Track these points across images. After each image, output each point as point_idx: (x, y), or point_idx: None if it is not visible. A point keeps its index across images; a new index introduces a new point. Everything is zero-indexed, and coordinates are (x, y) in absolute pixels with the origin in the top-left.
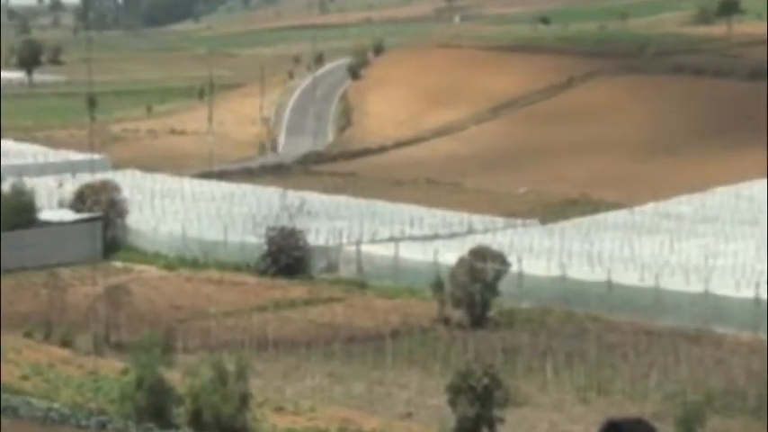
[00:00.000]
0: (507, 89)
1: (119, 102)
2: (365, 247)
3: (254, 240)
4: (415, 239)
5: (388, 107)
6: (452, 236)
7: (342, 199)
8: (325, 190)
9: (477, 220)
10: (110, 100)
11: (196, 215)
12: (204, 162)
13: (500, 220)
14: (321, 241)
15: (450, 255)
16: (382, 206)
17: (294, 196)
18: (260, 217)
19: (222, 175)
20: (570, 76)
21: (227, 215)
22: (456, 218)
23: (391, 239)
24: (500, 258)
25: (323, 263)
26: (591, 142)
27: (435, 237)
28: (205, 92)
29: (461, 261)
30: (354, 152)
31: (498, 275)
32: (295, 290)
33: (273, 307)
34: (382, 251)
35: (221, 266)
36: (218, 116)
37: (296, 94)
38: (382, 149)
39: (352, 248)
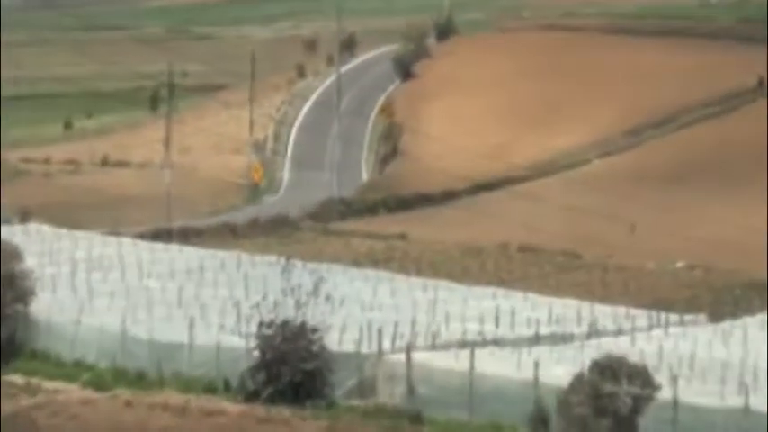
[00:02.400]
0: (656, 98)
1: (20, 114)
2: (420, 356)
3: (238, 343)
4: (503, 344)
5: (462, 127)
6: (564, 339)
7: (383, 277)
8: (357, 262)
9: (606, 313)
10: (7, 111)
11: (144, 301)
12: (158, 213)
13: (642, 315)
14: (348, 345)
15: (559, 369)
16: (449, 290)
17: (305, 271)
18: (248, 305)
19: (187, 236)
20: (761, 76)
21: (195, 301)
22: (570, 310)
23: (463, 344)
24: (642, 377)
25: (351, 380)
26: None
27: (535, 341)
28: (160, 98)
29: (578, 380)
30: (405, 200)
31: (639, 404)
32: (305, 427)
33: None
34: (448, 363)
35: (185, 385)
36: (180, 138)
37: (309, 103)
38: (451, 196)
39: (400, 358)
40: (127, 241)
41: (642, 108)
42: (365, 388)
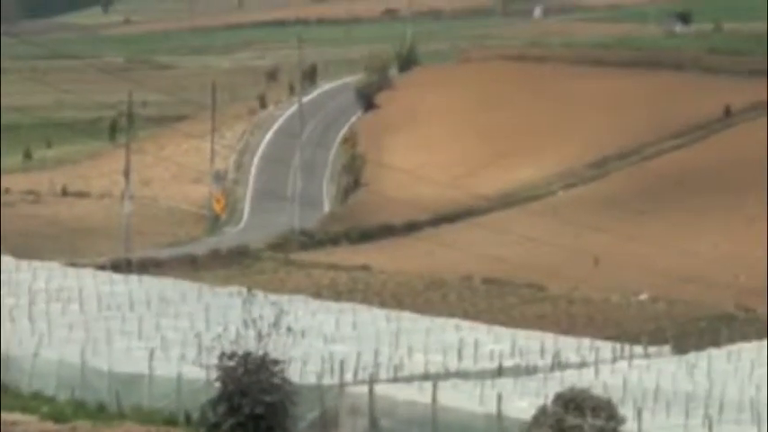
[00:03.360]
0: (621, 129)
1: None
2: (383, 389)
3: (199, 375)
4: (466, 377)
5: (425, 158)
6: (527, 372)
7: (345, 308)
8: (318, 293)
9: (570, 345)
10: None
11: (104, 332)
12: (118, 244)
13: (606, 347)
14: (310, 378)
15: (522, 402)
16: (412, 321)
17: (266, 303)
18: (209, 336)
19: (146, 267)
20: (726, 104)
21: (155, 332)
22: (534, 342)
23: (426, 377)
24: (607, 410)
25: (313, 413)
26: (760, 216)
27: (499, 373)
28: (119, 128)
29: (542, 413)
30: (368, 231)
31: None
32: None
33: None
34: (411, 395)
35: (145, 417)
36: (141, 169)
37: (270, 133)
38: (414, 227)
39: (362, 390)
40: (86, 272)
41: (607, 139)
42: (327, 421)
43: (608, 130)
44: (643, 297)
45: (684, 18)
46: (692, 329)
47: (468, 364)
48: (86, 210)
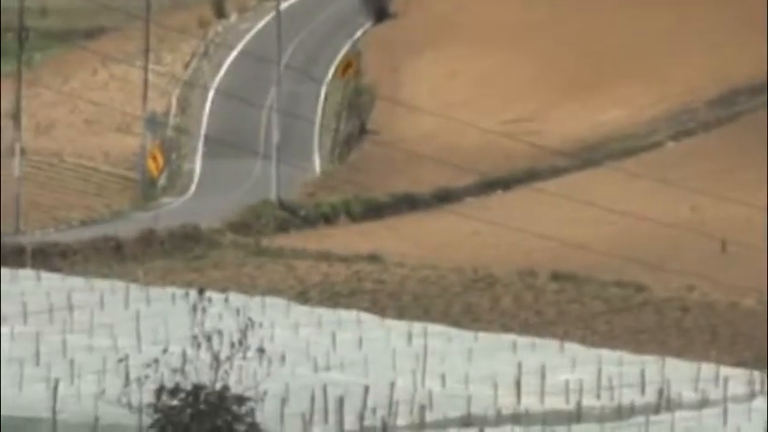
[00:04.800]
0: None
1: None
2: None
3: (126, 419)
4: (528, 422)
5: (464, 92)
6: (620, 414)
7: (346, 319)
8: (305, 296)
9: (684, 374)
10: None
11: None
12: (4, 222)
13: (739, 377)
14: (294, 423)
15: None
16: (446, 339)
17: (226, 310)
18: (140, 362)
19: (48, 257)
20: None
21: (60, 356)
22: (629, 369)
23: (468, 422)
24: None
25: None
26: None
27: (577, 417)
28: (5, 49)
29: None
30: (377, 203)
31: None
32: None
33: None
34: None
35: None
36: (37, 109)
37: (232, 55)
38: (447, 197)
39: None
40: None
41: (737, 64)
42: None
43: (739, 53)
44: None
45: None
46: None
47: (531, 402)
48: None
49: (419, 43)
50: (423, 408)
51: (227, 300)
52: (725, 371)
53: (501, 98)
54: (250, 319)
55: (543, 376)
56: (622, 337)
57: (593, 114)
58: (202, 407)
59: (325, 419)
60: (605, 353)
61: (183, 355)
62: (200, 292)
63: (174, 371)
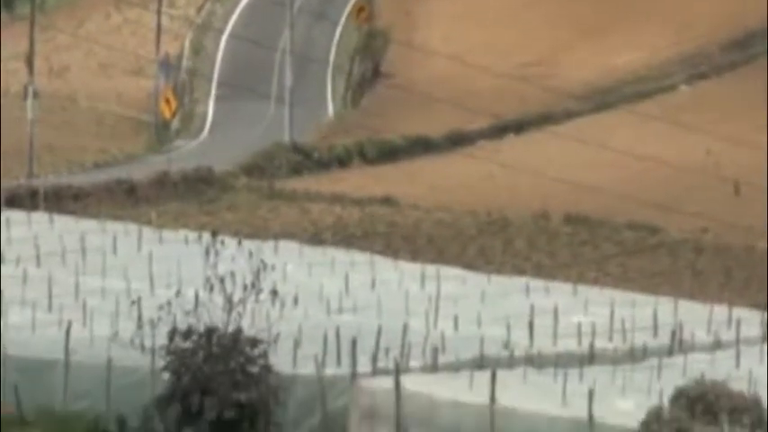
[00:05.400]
0: None
1: None
2: (415, 382)
3: (139, 362)
4: (540, 364)
5: (480, 36)
6: (632, 356)
7: (359, 261)
8: (318, 238)
9: (697, 316)
10: None
11: None
12: (18, 165)
13: (752, 319)
14: (307, 365)
15: (625, 403)
16: (460, 281)
17: (240, 253)
18: (153, 304)
19: (61, 199)
20: None
21: (73, 298)
22: (642, 311)
23: (481, 364)
24: (753, 413)
25: (311, 418)
26: None
27: (590, 359)
28: None
29: (655, 419)
30: (392, 146)
31: None
32: None
33: None
34: (458, 392)
35: (58, 425)
36: (51, 53)
37: None
38: (462, 140)
39: (384, 384)
40: None
41: (747, 8)
42: (331, 430)
43: None
44: None
45: None
46: None
47: (543, 344)
48: None
49: None
50: (435, 350)
51: (240, 243)
52: (738, 312)
53: (515, 41)
54: (263, 261)
55: (556, 318)
56: (636, 280)
57: (607, 57)
58: (215, 349)
59: (338, 361)
60: (618, 295)
61: (196, 297)
62: (214, 234)
63: (187, 313)
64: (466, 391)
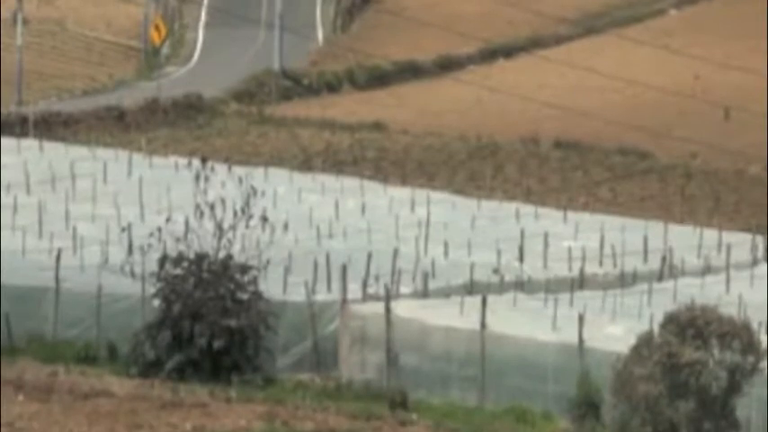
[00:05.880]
0: None
1: None
2: (405, 308)
3: (130, 288)
4: (530, 289)
5: None
6: (623, 282)
7: (349, 186)
8: (308, 164)
9: (685, 240)
10: None
11: None
12: (7, 92)
13: (742, 243)
14: (296, 291)
15: (615, 328)
16: (450, 206)
17: (230, 179)
18: (143, 231)
19: (50, 126)
20: None
21: (63, 225)
22: (632, 236)
23: (471, 289)
24: (743, 337)
25: (301, 344)
26: None
27: (580, 284)
28: None
29: (645, 344)
30: (381, 71)
31: (737, 379)
32: (231, 413)
33: None
34: (448, 317)
35: (48, 352)
36: None
37: None
38: (451, 65)
39: (375, 309)
40: None
41: None
42: (322, 355)
43: None
44: None
45: None
46: None
47: (533, 268)
48: None
49: None
50: (426, 275)
51: (230, 169)
52: (728, 237)
53: None
54: (253, 187)
55: (546, 243)
56: (626, 204)
57: None
58: (205, 275)
59: (329, 288)
60: (608, 220)
61: (187, 224)
62: (204, 161)
63: (178, 240)
64: (456, 316)
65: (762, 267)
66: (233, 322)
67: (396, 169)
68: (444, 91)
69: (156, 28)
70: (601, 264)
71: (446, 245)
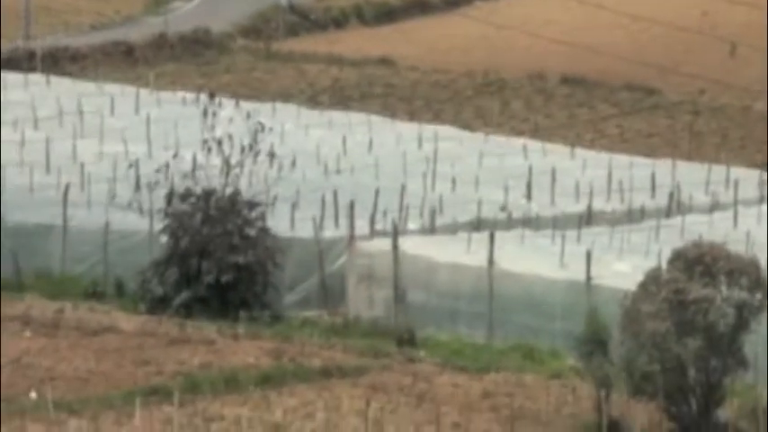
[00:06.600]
0: None
1: None
2: (413, 244)
3: (137, 224)
4: (537, 225)
5: None
6: (630, 218)
7: (357, 121)
8: (315, 99)
9: (694, 176)
10: None
11: None
12: (14, 26)
13: (750, 179)
14: (304, 227)
15: (622, 264)
16: (457, 141)
17: (237, 114)
18: (150, 167)
19: (58, 61)
20: None
21: (71, 161)
22: (640, 171)
23: (478, 225)
24: (750, 274)
25: (308, 281)
26: None
27: (587, 220)
28: None
29: (653, 280)
30: (388, 6)
31: (745, 316)
32: (239, 350)
33: (185, 394)
34: (456, 254)
35: (56, 288)
36: None
37: None
38: (456, 1)
39: (382, 246)
40: None
41: None
42: (329, 292)
43: None
44: None
45: None
46: None
47: (540, 205)
48: None
49: None
50: (433, 212)
51: (237, 104)
52: (735, 172)
53: None
54: (260, 123)
55: (553, 179)
56: (633, 141)
57: None
58: (213, 212)
59: (336, 223)
60: (616, 156)
61: (194, 159)
62: (211, 96)
63: (185, 176)
64: (464, 253)
65: None
66: (240, 259)
67: (403, 105)
68: (452, 27)
69: None
70: (608, 200)
71: (453, 181)
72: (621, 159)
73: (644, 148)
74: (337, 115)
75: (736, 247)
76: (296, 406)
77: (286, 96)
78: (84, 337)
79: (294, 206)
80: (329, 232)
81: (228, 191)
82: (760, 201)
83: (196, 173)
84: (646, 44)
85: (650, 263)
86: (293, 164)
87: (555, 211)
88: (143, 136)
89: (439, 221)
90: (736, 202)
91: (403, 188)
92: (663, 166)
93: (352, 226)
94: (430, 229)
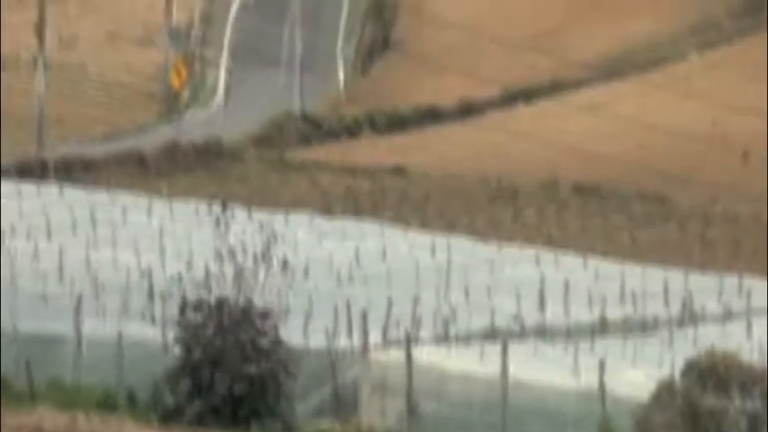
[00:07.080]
0: None
1: None
2: (426, 354)
3: (150, 335)
4: (551, 336)
5: (490, 5)
6: (643, 327)
7: (369, 231)
8: (328, 208)
9: (707, 286)
10: None
11: (8, 271)
12: (27, 136)
13: (764, 289)
14: (317, 337)
15: (636, 374)
16: (470, 252)
17: (249, 223)
18: (164, 276)
19: (70, 171)
20: None
21: (84, 271)
22: (653, 282)
23: (492, 335)
24: (764, 385)
25: (321, 391)
26: None
27: (601, 329)
28: None
29: (666, 391)
30: (402, 115)
31: (759, 427)
32: None
33: None
34: (468, 364)
35: (68, 399)
36: (61, 23)
37: None
38: (472, 110)
39: (395, 356)
40: None
41: None
42: (342, 402)
43: None
44: None
45: None
46: None
47: (554, 315)
48: None
49: None
50: (446, 321)
51: (250, 213)
52: (748, 282)
53: (525, 11)
54: (273, 232)
55: (566, 290)
56: (646, 251)
57: (616, 27)
58: (226, 322)
59: (349, 333)
60: (629, 267)
61: (207, 269)
62: (224, 206)
63: (198, 286)
64: (477, 363)
65: None
66: (253, 369)
67: (416, 214)
68: (465, 135)
69: (177, 72)
70: (621, 309)
71: (466, 290)
72: (635, 270)
73: (656, 258)
74: (350, 225)
75: (750, 356)
76: None
77: (299, 205)
78: None
79: (307, 316)
80: (342, 342)
81: (241, 301)
82: None
83: (209, 282)
84: (658, 153)
85: (663, 372)
86: (306, 273)
87: (568, 321)
88: (156, 246)
89: (452, 331)
90: (749, 312)
91: (416, 298)
92: (675, 276)
93: (365, 336)
94: (443, 339)
